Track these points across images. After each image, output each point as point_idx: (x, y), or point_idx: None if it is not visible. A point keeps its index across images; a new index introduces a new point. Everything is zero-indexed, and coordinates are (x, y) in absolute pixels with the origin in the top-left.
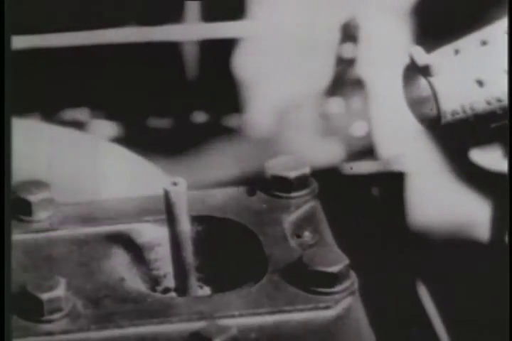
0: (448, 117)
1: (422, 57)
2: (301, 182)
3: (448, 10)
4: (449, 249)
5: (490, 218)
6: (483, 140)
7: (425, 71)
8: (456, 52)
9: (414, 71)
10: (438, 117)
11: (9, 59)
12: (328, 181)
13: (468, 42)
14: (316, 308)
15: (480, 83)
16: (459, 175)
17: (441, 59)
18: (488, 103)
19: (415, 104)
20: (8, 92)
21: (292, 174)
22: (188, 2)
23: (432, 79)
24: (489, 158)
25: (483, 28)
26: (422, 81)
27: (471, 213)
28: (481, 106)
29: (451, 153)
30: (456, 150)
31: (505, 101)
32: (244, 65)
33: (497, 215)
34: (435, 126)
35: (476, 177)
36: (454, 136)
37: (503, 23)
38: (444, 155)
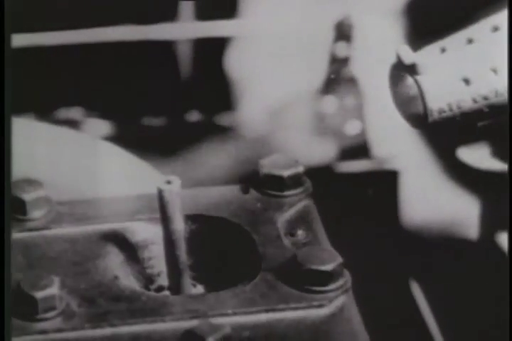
0: (435, 115)
1: (408, 55)
2: (294, 181)
3: (440, 8)
4: (442, 247)
5: (479, 216)
6: (471, 138)
7: (412, 69)
8: (443, 50)
9: (401, 70)
10: (425, 115)
11: (9, 58)
12: (321, 180)
13: (455, 41)
14: (310, 307)
15: (466, 81)
16: (448, 173)
17: (427, 57)
18: (475, 101)
19: (402, 103)
20: (8, 91)
21: (286, 173)
22: (182, 1)
23: (418, 77)
24: (476, 156)
25: (469, 27)
26: (409, 79)
27: (461, 211)
28: (467, 104)
29: (439, 151)
30: (444, 149)
31: (492, 100)
32: (237, 63)
33: (486, 213)
34: (422, 125)
35: (464, 175)
36: (442, 135)
37: (488, 21)
38: (433, 154)
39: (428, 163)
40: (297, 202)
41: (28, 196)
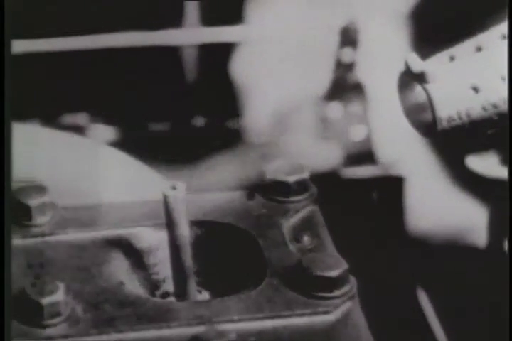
0: (444, 124)
1: (417, 64)
2: (300, 187)
3: (446, 15)
4: (448, 254)
5: (487, 224)
6: (480, 146)
7: (421, 78)
8: (452, 58)
9: (410, 78)
10: (434, 124)
11: (9, 64)
12: (327, 185)
13: (464, 49)
14: (315, 313)
15: (475, 89)
16: (456, 180)
17: (436, 66)
18: (484, 109)
19: (411, 111)
20: (8, 96)
21: (291, 178)
22: (188, 6)
23: (427, 85)
24: (486, 164)
25: (478, 34)
26: (418, 88)
27: (468, 218)
28: (476, 112)
29: (448, 159)
30: (453, 157)
31: (502, 107)
32: (243, 69)
33: (494, 221)
34: (431, 133)
35: (473, 183)
36: (451, 143)
37: (497, 29)
38: (441, 161)
39: (434, 168)
40: (303, 208)
41: (33, 202)
